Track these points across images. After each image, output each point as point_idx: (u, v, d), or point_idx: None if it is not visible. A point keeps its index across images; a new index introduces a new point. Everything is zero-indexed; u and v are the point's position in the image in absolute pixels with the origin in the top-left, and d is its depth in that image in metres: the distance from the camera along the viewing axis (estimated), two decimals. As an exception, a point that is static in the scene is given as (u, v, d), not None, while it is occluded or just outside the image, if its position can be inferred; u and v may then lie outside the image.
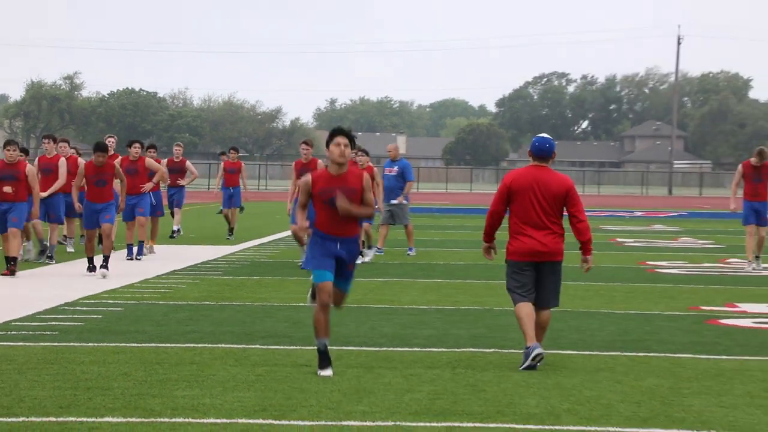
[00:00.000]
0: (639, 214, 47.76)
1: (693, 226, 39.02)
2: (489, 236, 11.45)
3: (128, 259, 21.12)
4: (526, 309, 10.91)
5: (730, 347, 12.30)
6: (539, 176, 10.91)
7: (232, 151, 27.71)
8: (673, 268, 22.11)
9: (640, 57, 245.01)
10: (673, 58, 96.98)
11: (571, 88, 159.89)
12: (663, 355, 11.76)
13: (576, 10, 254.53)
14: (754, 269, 21.33)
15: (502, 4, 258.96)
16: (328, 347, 10.36)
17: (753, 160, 20.84)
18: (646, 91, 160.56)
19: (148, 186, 21.44)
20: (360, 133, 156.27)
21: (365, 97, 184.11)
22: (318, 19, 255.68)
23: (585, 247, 10.99)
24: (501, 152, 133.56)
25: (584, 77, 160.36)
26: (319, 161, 20.48)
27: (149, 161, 21.82)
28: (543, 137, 11.21)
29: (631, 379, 10.39)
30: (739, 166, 21.16)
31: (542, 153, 11.00)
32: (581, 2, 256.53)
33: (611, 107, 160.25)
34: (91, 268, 18.43)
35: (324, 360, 10.30)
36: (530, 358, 10.67)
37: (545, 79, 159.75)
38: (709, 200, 69.99)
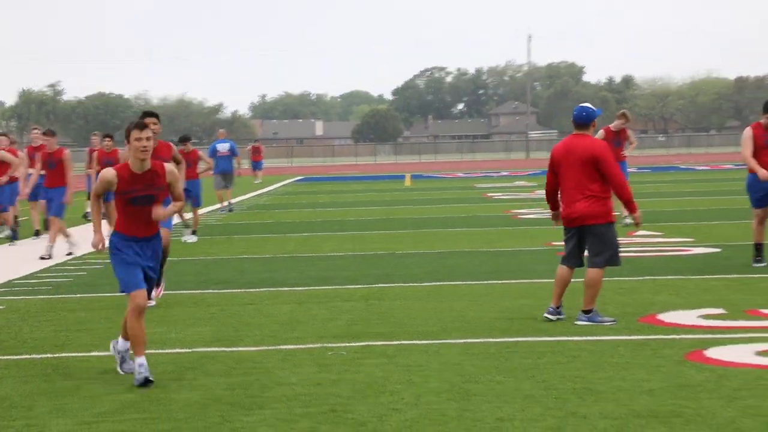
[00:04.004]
0: (504, 173, 48.01)
1: (545, 181, 39.32)
2: (550, 205, 9.63)
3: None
4: (559, 272, 9.32)
5: (576, 272, 12.39)
6: (572, 144, 9.17)
7: (185, 142, 19.15)
8: (532, 213, 22.25)
9: (500, 51, 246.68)
10: (525, 52, 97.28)
11: (449, 78, 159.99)
12: (527, 281, 11.84)
13: (451, 14, 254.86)
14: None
15: (391, 10, 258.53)
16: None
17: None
18: (506, 78, 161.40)
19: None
20: (286, 121, 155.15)
21: (289, 91, 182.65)
22: (252, 27, 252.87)
23: (626, 207, 9.18)
24: (397, 131, 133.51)
25: (459, 69, 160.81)
26: (120, 151, 16.24)
27: (122, 153, 20.96)
28: (582, 106, 9.27)
29: (504, 300, 10.44)
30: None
31: (579, 121, 9.18)
32: (455, 9, 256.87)
33: (480, 92, 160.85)
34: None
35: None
36: (549, 314, 9.29)
37: (429, 72, 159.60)
38: (557, 160, 70.60)
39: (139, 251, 7.42)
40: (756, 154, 12.30)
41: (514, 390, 6.73)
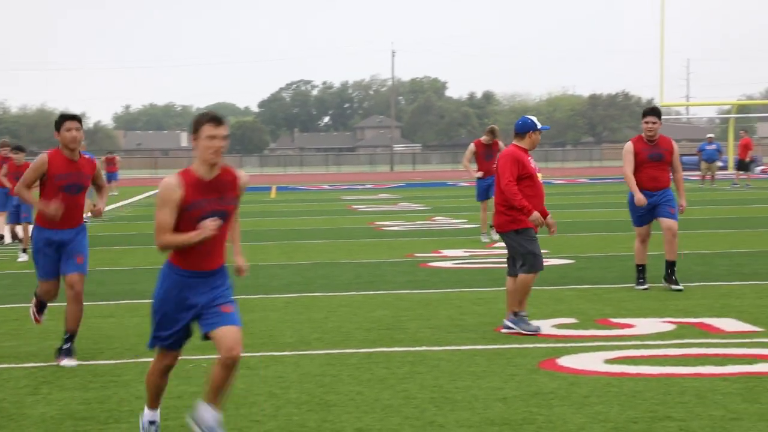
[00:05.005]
0: (369, 186, 48.33)
1: (409, 193, 39.77)
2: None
3: None
4: (507, 283, 9.29)
5: (436, 283, 12.56)
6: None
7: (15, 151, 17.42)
8: (395, 225, 22.43)
9: (365, 66, 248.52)
10: (389, 67, 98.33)
11: (315, 92, 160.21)
12: (388, 291, 11.91)
13: (315, 30, 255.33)
14: None
15: (257, 23, 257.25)
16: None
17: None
18: (371, 92, 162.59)
19: None
20: (150, 132, 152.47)
21: (154, 102, 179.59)
22: (117, 37, 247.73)
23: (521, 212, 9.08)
24: (263, 143, 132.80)
25: (324, 83, 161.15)
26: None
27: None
28: (524, 117, 9.32)
29: (364, 311, 10.47)
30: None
31: (515, 128, 9.25)
32: (320, 23, 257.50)
33: (346, 105, 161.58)
34: None
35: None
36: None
37: (295, 85, 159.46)
38: (420, 174, 71.55)
39: (195, 296, 5.63)
40: (637, 170, 11.36)
41: (374, 400, 6.76)
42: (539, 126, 9.18)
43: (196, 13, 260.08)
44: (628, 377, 7.24)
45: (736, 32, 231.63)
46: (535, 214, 8.97)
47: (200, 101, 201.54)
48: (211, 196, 5.56)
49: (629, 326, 9.33)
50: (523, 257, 9.08)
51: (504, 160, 9.12)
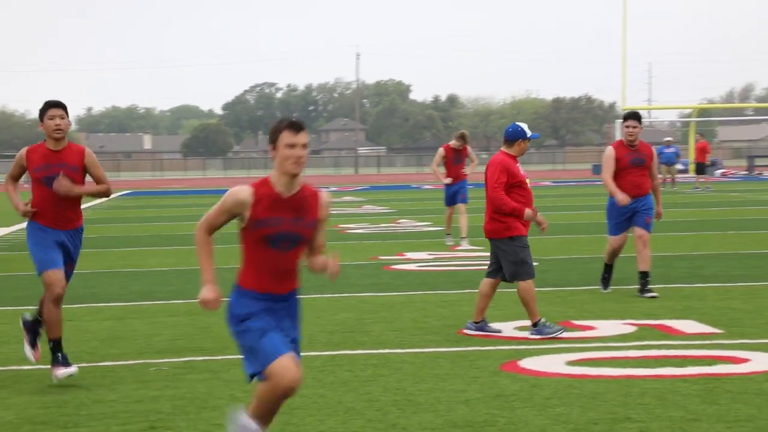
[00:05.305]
0: (333, 188, 48.32)
1: (374, 196, 39.80)
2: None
3: None
4: (482, 284, 9.31)
5: (400, 286, 12.56)
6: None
7: None
8: (359, 228, 22.41)
9: (330, 69, 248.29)
10: (354, 70, 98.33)
11: (279, 95, 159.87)
12: (352, 294, 11.89)
13: (279, 33, 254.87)
14: None
15: (220, 25, 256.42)
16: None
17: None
18: (336, 95, 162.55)
19: None
20: (113, 134, 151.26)
21: (116, 104, 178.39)
22: (78, 40, 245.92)
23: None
24: (227, 146, 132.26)
25: (289, 85, 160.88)
26: None
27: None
28: (515, 123, 9.36)
29: (328, 314, 10.44)
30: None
31: (505, 135, 9.27)
32: (283, 26, 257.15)
33: (310, 108, 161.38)
34: None
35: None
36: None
37: (259, 88, 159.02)
38: (385, 176, 71.58)
39: (276, 320, 5.21)
40: (619, 176, 11.06)
41: (337, 403, 6.74)
42: (529, 134, 9.14)
43: (160, 14, 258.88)
44: (589, 379, 7.28)
45: (697, 37, 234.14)
46: (528, 211, 8.99)
47: (163, 103, 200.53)
48: (287, 215, 5.06)
49: (591, 328, 9.38)
50: (514, 265, 8.99)
51: (493, 168, 9.09)
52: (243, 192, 5.00)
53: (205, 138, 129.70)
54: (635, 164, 11.14)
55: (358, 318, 10.11)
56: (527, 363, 7.85)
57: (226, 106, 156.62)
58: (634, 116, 11.10)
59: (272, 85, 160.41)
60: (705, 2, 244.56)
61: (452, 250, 16.66)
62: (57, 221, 7.62)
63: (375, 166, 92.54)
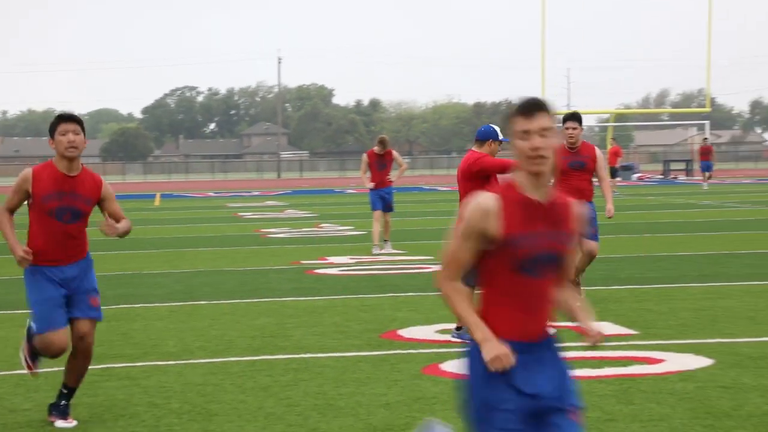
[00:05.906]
0: (256, 193, 47.99)
1: (296, 200, 39.65)
2: None
3: None
4: None
5: (322, 290, 12.54)
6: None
7: None
8: (281, 233, 22.33)
9: (251, 73, 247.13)
10: (276, 74, 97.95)
11: (200, 98, 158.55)
12: (273, 299, 11.84)
13: (200, 36, 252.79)
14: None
15: (140, 28, 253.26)
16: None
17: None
18: (258, 99, 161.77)
19: None
20: (29, 138, 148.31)
21: (32, 108, 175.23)
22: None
23: None
24: (147, 150, 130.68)
25: (210, 89, 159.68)
26: None
27: None
28: (487, 125, 9.20)
29: (248, 319, 10.39)
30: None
31: (477, 135, 9.13)
32: (204, 29, 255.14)
33: (232, 112, 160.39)
34: None
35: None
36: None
37: (180, 91, 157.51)
38: (307, 181, 71.41)
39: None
40: (558, 180, 10.43)
41: (257, 408, 6.70)
42: (500, 137, 8.99)
43: (77, 15, 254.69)
44: (508, 381, 7.34)
45: (615, 43, 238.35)
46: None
47: (81, 107, 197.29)
48: (545, 228, 3.72)
49: (510, 331, 9.46)
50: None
51: (465, 163, 8.88)
52: (486, 203, 3.70)
53: (125, 142, 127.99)
54: (575, 167, 10.65)
55: (279, 323, 10.07)
56: (448, 366, 7.89)
57: (146, 110, 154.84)
58: (573, 117, 10.69)
59: (193, 88, 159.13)
60: (622, 11, 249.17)
61: (374, 255, 16.69)
62: (67, 256, 6.44)
63: (298, 170, 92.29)
